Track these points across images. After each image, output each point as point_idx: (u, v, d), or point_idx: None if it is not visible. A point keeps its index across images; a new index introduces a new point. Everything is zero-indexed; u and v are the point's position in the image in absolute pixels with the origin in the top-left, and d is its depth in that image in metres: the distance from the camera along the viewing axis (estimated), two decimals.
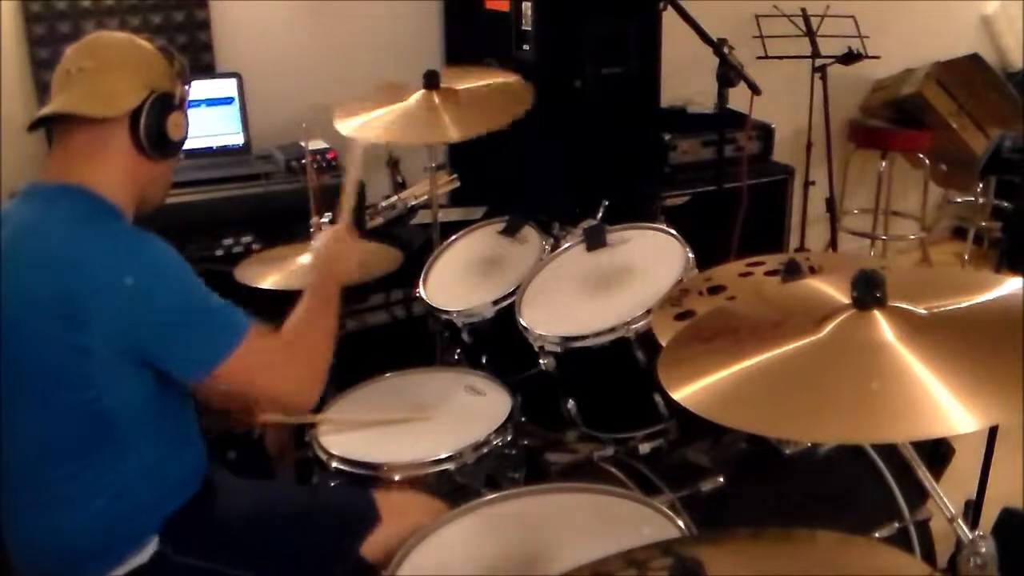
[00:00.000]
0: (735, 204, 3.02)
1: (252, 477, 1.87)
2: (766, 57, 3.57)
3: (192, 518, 1.57)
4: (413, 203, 2.86)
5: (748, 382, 1.16)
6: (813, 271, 1.75)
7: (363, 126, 2.32)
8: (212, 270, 2.55)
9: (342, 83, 2.92)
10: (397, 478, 1.81)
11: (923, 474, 1.29)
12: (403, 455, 1.84)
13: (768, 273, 1.84)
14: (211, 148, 2.89)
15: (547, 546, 1.50)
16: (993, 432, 2.14)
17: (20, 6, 2.72)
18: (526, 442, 2.07)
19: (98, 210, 1.52)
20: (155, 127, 1.56)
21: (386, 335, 2.87)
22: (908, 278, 1.40)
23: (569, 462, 2.17)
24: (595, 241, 2.20)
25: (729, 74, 2.55)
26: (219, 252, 2.67)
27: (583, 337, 1.94)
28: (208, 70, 2.95)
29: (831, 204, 3.89)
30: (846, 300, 1.21)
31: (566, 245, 2.26)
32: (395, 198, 2.89)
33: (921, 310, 1.19)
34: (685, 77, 3.30)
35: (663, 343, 1.54)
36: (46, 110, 1.54)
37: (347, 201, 1.99)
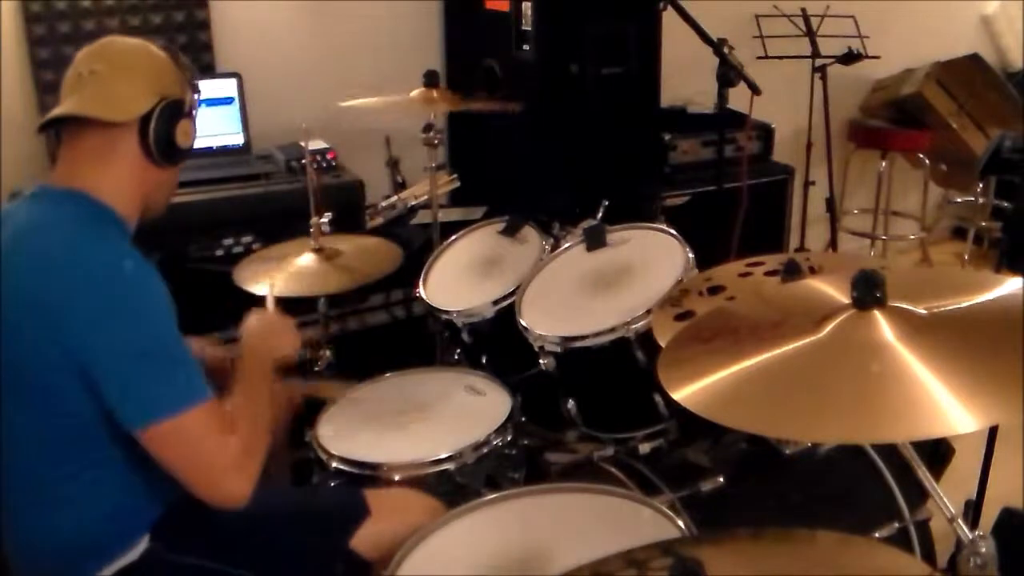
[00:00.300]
0: (735, 204, 3.02)
1: None
2: (766, 57, 3.57)
3: (183, 516, 1.57)
4: (413, 203, 2.86)
5: (748, 382, 1.16)
6: (813, 271, 1.75)
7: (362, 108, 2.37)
8: (212, 270, 2.58)
9: (342, 83, 2.92)
10: (397, 478, 1.81)
11: (923, 474, 1.29)
12: (403, 455, 1.84)
13: (768, 273, 1.84)
14: (211, 148, 2.89)
15: (547, 546, 1.50)
16: (993, 432, 2.14)
17: (20, 6, 2.72)
18: (526, 442, 2.07)
19: (100, 218, 1.52)
20: (164, 133, 1.56)
21: (386, 335, 2.87)
22: (908, 278, 1.40)
23: (569, 462, 2.17)
24: (595, 241, 2.20)
25: (729, 74, 2.55)
26: (219, 252, 2.67)
27: (583, 337, 1.94)
28: (208, 70, 2.95)
29: (831, 204, 3.89)
30: (846, 300, 1.21)
31: (566, 245, 2.26)
32: (395, 198, 2.89)
33: (921, 310, 1.19)
34: (685, 77, 3.29)
35: (663, 343, 1.54)
36: (56, 112, 1.53)
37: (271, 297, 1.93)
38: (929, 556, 1.80)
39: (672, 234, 2.14)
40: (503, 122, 2.44)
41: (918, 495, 1.76)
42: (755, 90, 2.60)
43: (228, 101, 2.90)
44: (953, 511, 1.22)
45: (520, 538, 1.53)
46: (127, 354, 1.42)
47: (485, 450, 1.86)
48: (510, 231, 2.42)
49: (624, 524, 1.55)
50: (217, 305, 2.48)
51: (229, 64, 3.00)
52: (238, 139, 2.93)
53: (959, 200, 4.60)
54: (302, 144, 2.53)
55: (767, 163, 3.58)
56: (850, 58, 3.65)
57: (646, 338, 1.86)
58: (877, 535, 1.75)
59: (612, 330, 1.90)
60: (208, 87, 2.83)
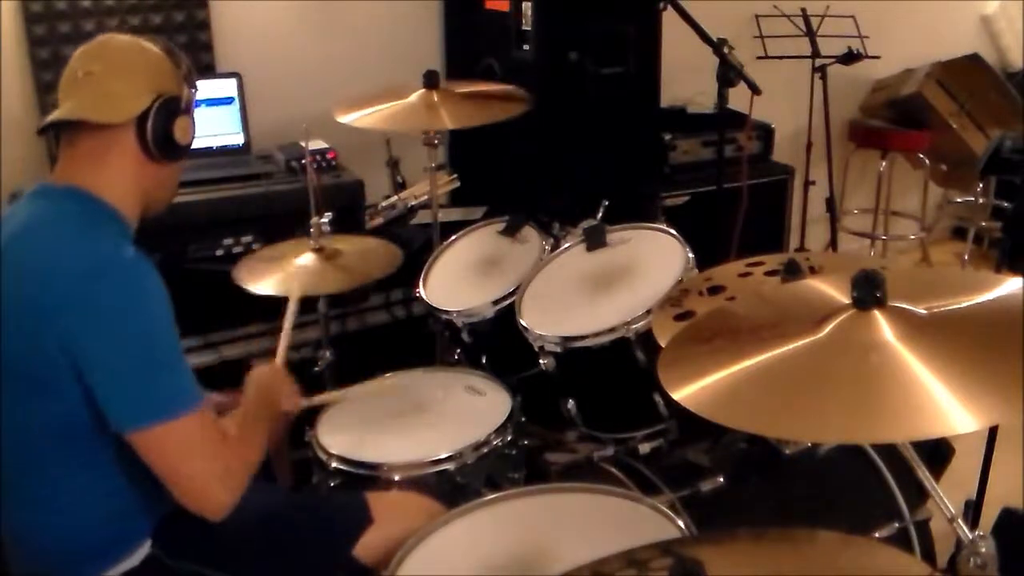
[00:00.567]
0: (735, 204, 3.01)
1: None
2: (766, 57, 3.57)
3: (184, 521, 1.56)
4: (413, 203, 2.86)
5: (748, 382, 1.16)
6: (813, 271, 1.75)
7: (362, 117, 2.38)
8: (212, 270, 2.58)
9: (342, 83, 2.93)
10: (397, 478, 1.81)
11: (923, 474, 1.29)
12: (403, 455, 1.84)
13: (768, 273, 1.84)
14: (211, 148, 2.89)
15: (547, 546, 1.50)
16: (993, 432, 2.14)
17: (20, 6, 2.72)
18: (526, 442, 2.07)
19: (99, 216, 1.52)
20: (162, 131, 1.55)
21: (386, 335, 2.87)
22: (908, 278, 1.40)
23: (569, 462, 2.17)
24: (595, 241, 2.20)
25: (729, 74, 2.54)
26: (219, 252, 2.67)
27: (583, 337, 1.94)
28: (208, 70, 2.95)
29: (831, 204, 3.89)
30: (846, 300, 1.21)
31: (566, 245, 2.26)
32: (395, 198, 2.89)
33: (921, 310, 1.19)
34: (685, 77, 3.29)
35: (663, 343, 1.54)
36: (53, 116, 1.53)
37: (283, 347, 1.92)
38: (929, 556, 1.81)
39: (672, 234, 2.14)
40: (503, 122, 2.44)
41: (918, 495, 1.76)
42: (755, 90, 2.60)
43: (228, 101, 2.90)
44: (953, 511, 1.22)
45: (520, 538, 1.54)
46: (121, 355, 1.41)
47: (485, 450, 1.87)
48: (510, 231, 2.42)
49: (624, 524, 1.55)
50: (217, 305, 2.50)
51: (229, 64, 3.00)
52: (238, 139, 2.93)
53: (959, 200, 4.60)
54: (302, 144, 2.53)
55: (767, 163, 3.58)
56: (850, 58, 3.65)
57: (646, 338, 1.86)
58: (877, 535, 1.75)
59: (612, 330, 1.91)
60: (208, 87, 2.85)
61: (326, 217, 2.27)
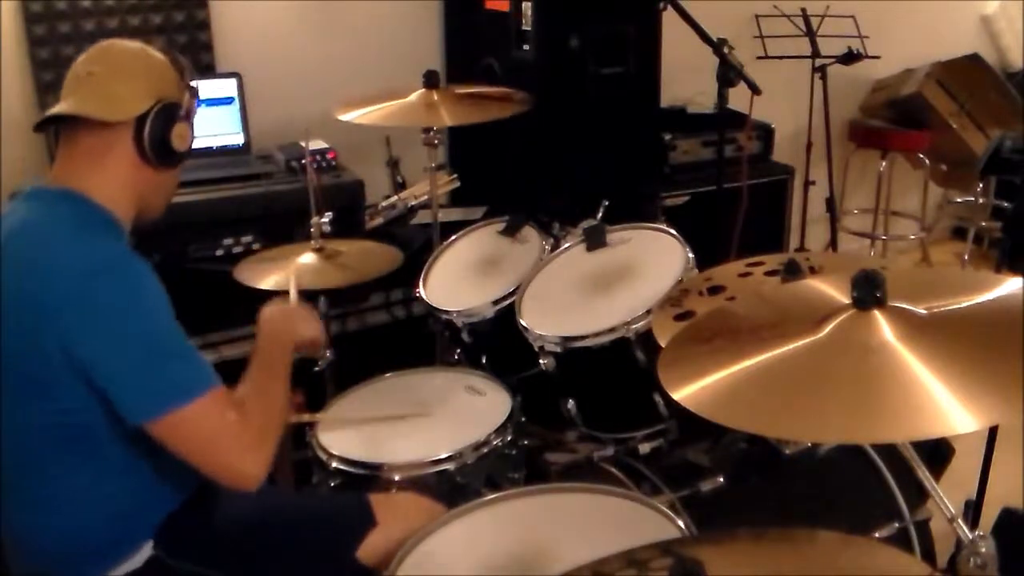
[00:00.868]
0: (735, 204, 3.01)
1: None
2: (766, 57, 3.57)
3: (187, 523, 1.56)
4: (413, 203, 2.87)
5: (748, 382, 1.16)
6: (813, 271, 1.75)
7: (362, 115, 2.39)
8: (212, 270, 2.58)
9: (342, 83, 2.93)
10: (397, 478, 1.81)
11: (923, 474, 1.29)
12: (403, 455, 1.84)
13: (768, 273, 1.84)
14: (211, 148, 2.89)
15: (547, 546, 1.50)
16: (993, 432, 2.14)
17: (20, 6, 2.72)
18: (526, 442, 2.07)
19: (93, 218, 1.52)
20: (159, 135, 1.55)
21: (386, 335, 2.87)
22: (908, 278, 1.40)
23: (569, 462, 2.17)
24: (595, 241, 2.20)
25: (729, 74, 2.54)
26: (219, 252, 2.67)
27: (583, 337, 1.94)
28: (208, 70, 2.95)
29: (831, 204, 3.89)
30: (846, 300, 1.21)
31: (566, 245, 2.26)
32: (395, 198, 2.89)
33: (921, 310, 1.19)
34: (685, 77, 3.30)
35: (663, 343, 1.54)
36: (53, 111, 1.54)
37: (293, 289, 1.93)
38: (929, 556, 1.81)
39: (672, 234, 2.14)
40: (503, 122, 2.44)
41: (918, 495, 1.76)
42: (755, 90, 2.60)
43: (228, 101, 2.90)
44: (953, 511, 1.22)
45: (520, 538, 1.54)
46: (125, 349, 1.42)
47: (485, 450, 1.87)
48: (510, 231, 2.42)
49: (624, 524, 1.55)
50: (217, 305, 2.50)
51: (229, 64, 3.00)
52: (238, 139, 2.93)
53: (959, 200, 4.60)
54: (302, 144, 2.53)
55: (767, 163, 3.58)
56: (850, 58, 3.65)
57: (646, 338, 1.86)
58: (877, 535, 1.75)
59: (612, 330, 1.90)
60: (208, 87, 2.85)
61: (326, 217, 2.28)
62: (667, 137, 3.37)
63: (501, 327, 2.13)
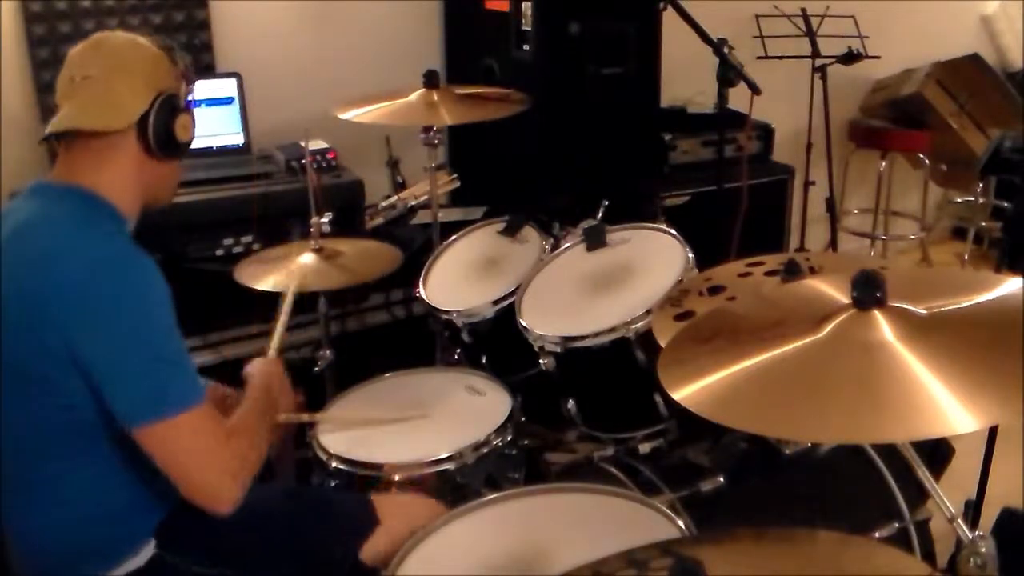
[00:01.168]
0: (735, 204, 3.01)
1: None
2: (766, 57, 3.57)
3: (189, 522, 1.56)
4: (413, 203, 2.86)
5: (748, 382, 1.16)
6: (813, 271, 1.75)
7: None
8: (212, 270, 2.58)
9: (342, 83, 2.92)
10: (397, 478, 1.81)
11: (923, 474, 1.29)
12: (403, 455, 1.84)
13: (768, 273, 1.84)
14: (211, 148, 2.89)
15: (547, 546, 1.50)
16: (993, 432, 2.14)
17: (20, 6, 2.72)
18: (526, 442, 2.07)
19: (98, 213, 1.51)
20: (163, 130, 1.55)
21: (386, 335, 2.87)
22: (908, 278, 1.40)
23: (569, 462, 2.18)
24: (595, 241, 2.20)
25: (729, 74, 2.55)
26: (219, 252, 2.67)
27: (583, 337, 1.94)
28: (208, 70, 2.95)
29: (831, 204, 3.89)
30: (846, 300, 1.21)
31: (566, 245, 2.26)
32: (395, 198, 2.89)
33: (921, 310, 1.19)
34: (685, 77, 3.30)
35: (663, 343, 1.54)
36: (53, 127, 1.52)
37: (276, 340, 1.90)
38: (929, 556, 1.80)
39: (672, 234, 2.14)
40: (503, 122, 2.44)
41: (918, 495, 1.76)
42: (755, 90, 2.60)
43: (228, 101, 2.90)
44: (953, 511, 1.22)
45: (520, 538, 1.53)
46: (123, 349, 1.41)
47: (485, 450, 1.86)
48: (510, 231, 2.42)
49: (624, 524, 1.55)
50: (217, 305, 2.50)
51: (229, 64, 3.00)
52: (238, 139, 2.93)
53: (959, 200, 4.60)
54: (302, 144, 2.53)
55: (767, 163, 3.58)
56: (850, 58, 3.65)
57: (646, 338, 1.86)
58: (877, 535, 1.75)
59: (612, 330, 1.90)
60: (208, 87, 2.85)
61: (326, 217, 2.28)
62: (667, 137, 3.38)
63: (501, 327, 2.13)
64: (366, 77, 3.03)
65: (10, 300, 1.45)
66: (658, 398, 1.93)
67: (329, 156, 2.85)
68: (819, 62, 3.74)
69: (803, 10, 3.74)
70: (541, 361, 2.00)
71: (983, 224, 4.43)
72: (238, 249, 2.66)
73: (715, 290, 1.84)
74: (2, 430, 1.51)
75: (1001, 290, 1.24)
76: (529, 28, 2.90)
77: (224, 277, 2.21)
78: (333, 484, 1.85)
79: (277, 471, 2.11)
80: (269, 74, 3.04)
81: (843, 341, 1.17)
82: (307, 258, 2.22)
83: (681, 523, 1.52)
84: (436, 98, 2.45)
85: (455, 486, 1.82)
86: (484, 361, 2.24)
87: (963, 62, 4.25)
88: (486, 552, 1.51)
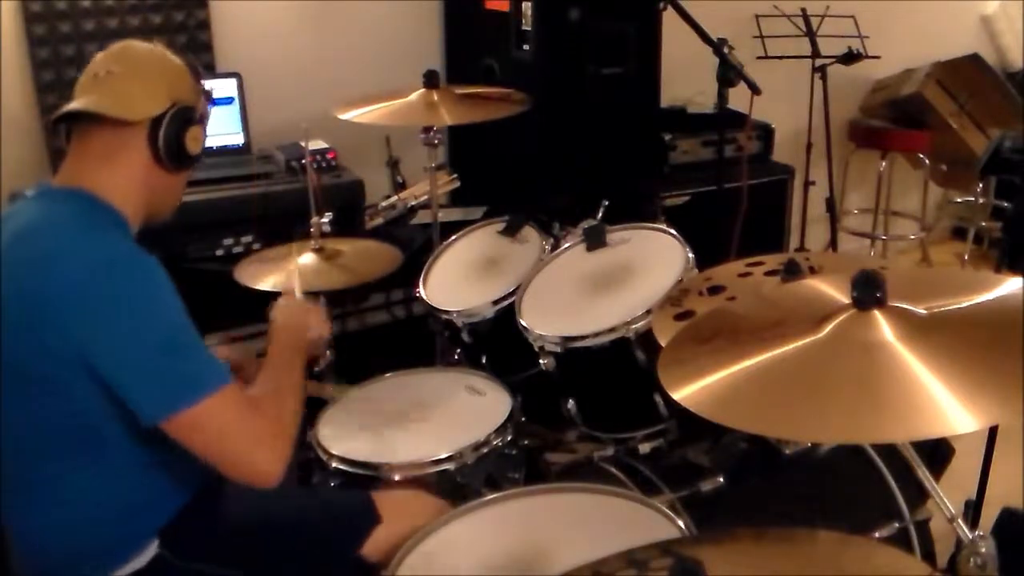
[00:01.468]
0: (735, 204, 3.01)
1: None
2: (766, 57, 3.57)
3: (192, 521, 1.56)
4: (413, 203, 2.86)
5: (748, 382, 1.16)
6: (813, 271, 1.75)
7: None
8: (212, 270, 2.58)
9: (342, 83, 2.93)
10: (397, 478, 1.81)
11: (923, 474, 1.29)
12: (403, 455, 1.84)
13: (768, 273, 1.84)
14: (211, 148, 2.89)
15: (547, 546, 1.50)
16: (993, 432, 2.14)
17: (20, 6, 2.72)
18: (526, 442, 2.07)
19: (101, 216, 1.52)
20: (174, 138, 1.56)
21: (386, 335, 2.88)
22: (908, 278, 1.40)
23: (569, 462, 2.18)
24: (595, 241, 2.21)
25: (729, 74, 2.55)
26: (219, 252, 2.67)
27: (583, 337, 1.94)
28: (208, 70, 2.95)
29: (831, 204, 3.89)
30: (846, 300, 1.21)
31: (566, 245, 2.26)
32: (395, 198, 2.89)
33: (921, 310, 1.19)
34: (685, 77, 3.30)
35: (663, 343, 1.54)
36: (69, 107, 1.53)
37: (297, 283, 1.94)
38: (929, 556, 1.80)
39: (672, 234, 2.14)
40: (503, 122, 2.44)
41: (918, 495, 1.76)
42: (755, 90, 2.60)
43: (228, 101, 2.90)
44: (953, 511, 1.22)
45: (520, 538, 1.54)
46: (138, 347, 1.41)
47: (485, 450, 1.86)
48: (510, 231, 2.42)
49: (624, 524, 1.55)
50: (217, 305, 2.49)
51: (229, 64, 3.00)
52: (238, 139, 2.93)
53: (959, 200, 4.60)
54: (302, 144, 2.53)
55: (767, 163, 3.58)
56: (850, 58, 3.65)
57: (646, 338, 1.86)
58: (877, 535, 1.75)
59: (612, 330, 1.90)
60: (208, 87, 2.84)
61: (326, 217, 2.28)
62: (667, 137, 3.38)
63: (501, 327, 2.13)
64: (366, 77, 3.03)
65: (10, 300, 1.45)
66: (658, 398, 1.93)
67: (329, 156, 2.86)
68: (819, 62, 3.74)
69: (803, 10, 3.74)
70: (541, 361, 2.00)
71: (983, 224, 4.43)
72: (238, 249, 2.66)
73: (715, 290, 1.84)
74: (2, 430, 1.51)
75: (1001, 290, 1.24)
76: (529, 28, 2.90)
77: (224, 277, 2.22)
78: (333, 484, 1.85)
79: None
80: (269, 74, 3.04)
81: (843, 341, 1.17)
82: (307, 258, 2.22)
83: (681, 523, 1.52)
84: (436, 98, 2.45)
85: (455, 486, 1.82)
86: (484, 361, 2.24)
87: (963, 62, 4.25)
88: (486, 552, 1.51)
